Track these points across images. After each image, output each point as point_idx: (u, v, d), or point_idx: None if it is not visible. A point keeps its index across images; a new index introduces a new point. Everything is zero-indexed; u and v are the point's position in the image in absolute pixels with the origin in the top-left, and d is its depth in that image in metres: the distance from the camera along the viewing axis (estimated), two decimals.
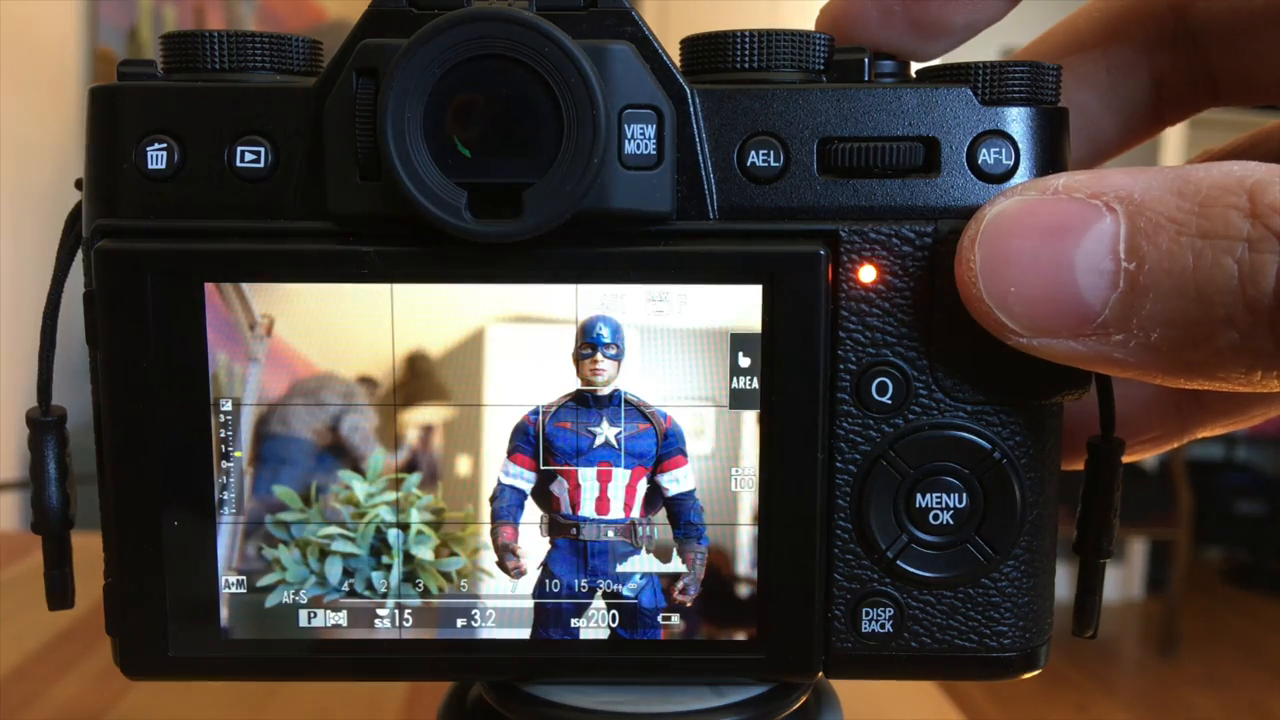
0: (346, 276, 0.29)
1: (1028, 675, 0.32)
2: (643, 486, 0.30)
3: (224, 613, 0.30)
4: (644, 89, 0.27)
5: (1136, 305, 0.22)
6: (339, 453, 0.30)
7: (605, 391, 0.30)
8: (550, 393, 0.30)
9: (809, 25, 0.31)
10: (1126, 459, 0.29)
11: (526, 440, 0.30)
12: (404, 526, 0.30)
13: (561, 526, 0.30)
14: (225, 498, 0.30)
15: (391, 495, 0.30)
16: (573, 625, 0.31)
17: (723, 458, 0.30)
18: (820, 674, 0.31)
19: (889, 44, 0.30)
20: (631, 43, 0.28)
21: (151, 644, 0.30)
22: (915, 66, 0.31)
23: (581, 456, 0.30)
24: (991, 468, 0.30)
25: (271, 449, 0.30)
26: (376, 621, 0.31)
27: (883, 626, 0.30)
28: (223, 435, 0.30)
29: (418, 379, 0.30)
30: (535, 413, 0.30)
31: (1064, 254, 0.22)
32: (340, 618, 0.31)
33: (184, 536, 0.30)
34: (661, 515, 0.30)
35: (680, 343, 0.29)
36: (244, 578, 0.30)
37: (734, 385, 0.29)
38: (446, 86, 0.26)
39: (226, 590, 0.30)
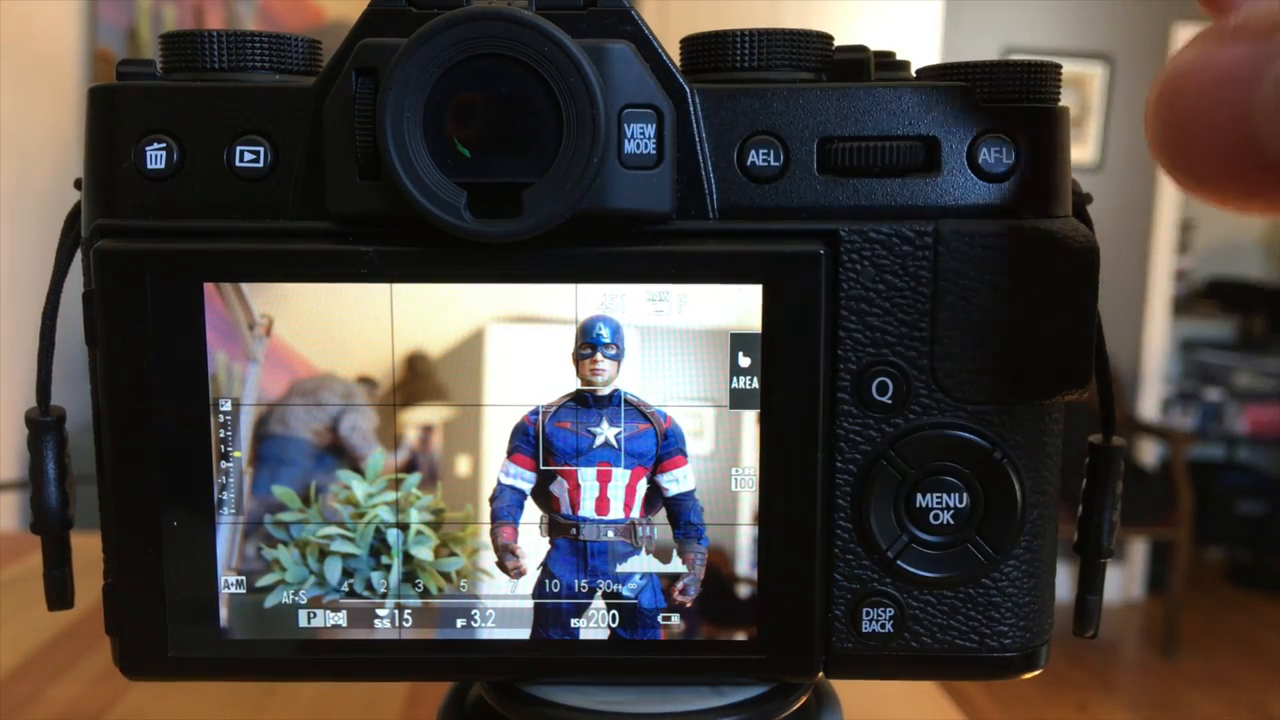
0: (346, 276, 0.29)
1: (1028, 675, 0.32)
2: (643, 487, 0.30)
3: (223, 613, 0.30)
4: (644, 88, 0.27)
5: None
6: (338, 453, 0.30)
7: (605, 391, 0.30)
8: (550, 393, 0.30)
9: (809, 25, 0.31)
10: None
11: (526, 440, 0.30)
12: (403, 527, 0.30)
13: (561, 527, 0.30)
14: (224, 498, 0.30)
15: (391, 495, 0.30)
16: (573, 625, 0.31)
17: (723, 458, 0.30)
18: (820, 674, 0.31)
19: None
20: (631, 42, 0.28)
21: (151, 644, 0.30)
22: (915, 66, 0.31)
23: (581, 456, 0.30)
24: (992, 468, 0.30)
25: (271, 449, 0.30)
26: (376, 622, 0.31)
27: (883, 626, 0.30)
28: (222, 435, 0.30)
29: (417, 379, 0.30)
30: (535, 413, 0.30)
31: (1240, 104, 0.18)
32: (340, 618, 0.31)
33: (183, 536, 0.30)
34: (661, 515, 0.30)
35: (680, 343, 0.29)
36: (243, 578, 0.30)
37: (734, 385, 0.29)
38: (446, 86, 0.26)
39: (226, 590, 0.30)
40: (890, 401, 0.29)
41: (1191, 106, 0.19)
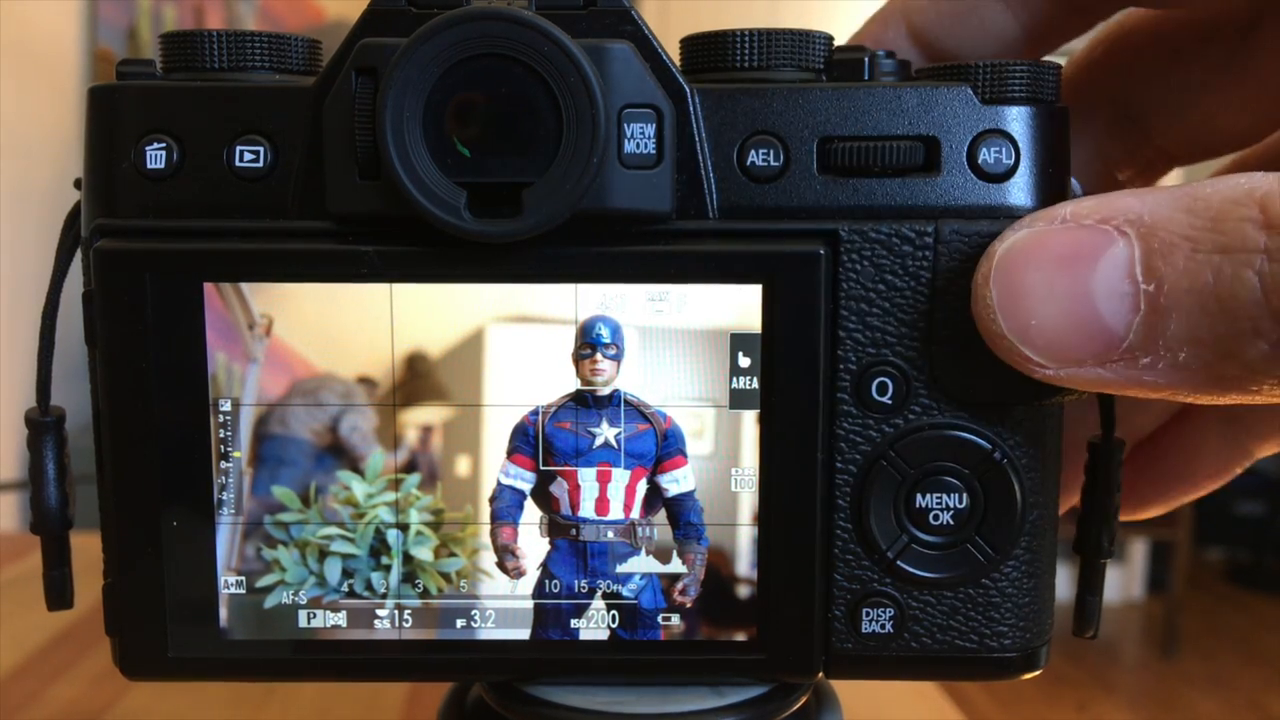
0: (346, 276, 0.29)
1: (1028, 675, 0.32)
2: (642, 487, 0.30)
3: (223, 613, 0.30)
4: (644, 88, 0.27)
5: (1160, 326, 0.21)
6: (338, 453, 0.30)
7: (605, 392, 0.30)
8: (550, 393, 0.30)
9: (809, 25, 0.31)
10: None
11: (526, 441, 0.30)
12: (403, 527, 0.30)
13: (561, 527, 0.30)
14: (224, 498, 0.30)
15: (391, 496, 0.30)
16: (572, 626, 0.31)
17: (723, 458, 0.30)
18: (820, 674, 0.31)
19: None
20: (631, 42, 0.28)
21: (151, 644, 0.30)
22: (915, 66, 0.31)
23: (581, 457, 0.30)
24: (991, 468, 0.30)
25: (270, 449, 0.30)
26: (376, 622, 0.31)
27: (883, 627, 0.30)
28: (222, 435, 0.30)
29: (417, 379, 0.30)
30: (535, 413, 0.30)
31: (1081, 282, 0.21)
32: (339, 618, 0.30)
33: (183, 537, 0.30)
34: (661, 516, 0.30)
35: (680, 343, 0.29)
36: (243, 578, 0.30)
37: (734, 385, 0.29)
38: (446, 86, 0.26)
39: (226, 591, 0.30)
40: (890, 401, 0.29)
41: (1032, 280, 0.22)
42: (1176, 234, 0.21)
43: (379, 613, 0.31)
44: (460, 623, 0.31)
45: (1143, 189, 0.23)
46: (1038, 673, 0.32)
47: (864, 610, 0.30)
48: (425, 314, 0.29)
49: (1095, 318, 0.22)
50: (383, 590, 0.30)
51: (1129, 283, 0.21)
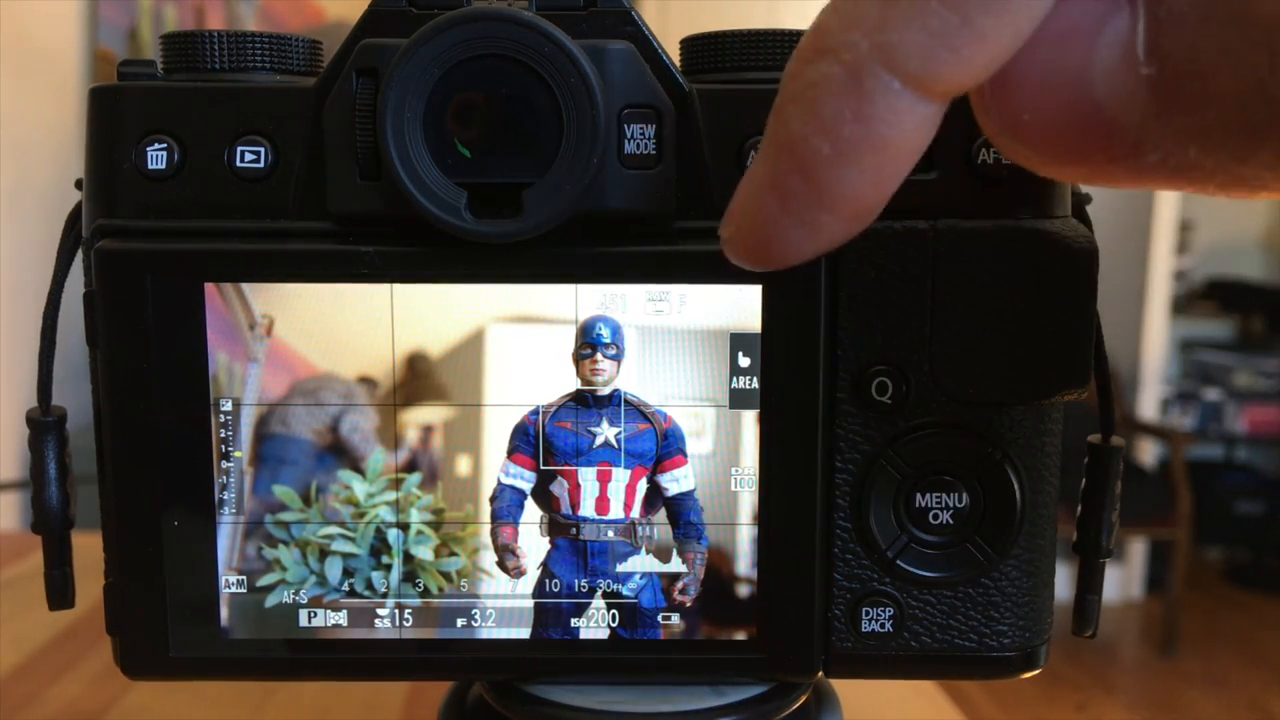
0: (346, 276, 0.29)
1: (1028, 675, 0.32)
2: (642, 486, 0.30)
3: (224, 612, 0.30)
4: (644, 89, 0.27)
5: (1168, 115, 0.16)
6: (339, 453, 0.30)
7: (605, 391, 0.30)
8: (550, 393, 0.30)
9: (808, 25, 0.31)
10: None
11: (526, 440, 0.30)
12: (404, 526, 0.30)
13: (561, 526, 0.30)
14: (225, 498, 0.30)
15: (391, 495, 0.30)
16: (573, 625, 0.31)
17: (723, 458, 0.30)
18: (820, 674, 0.31)
19: None
20: (631, 42, 0.28)
21: (151, 644, 0.30)
22: None
23: (581, 456, 0.30)
24: (991, 468, 0.30)
25: (271, 449, 0.30)
26: (376, 621, 0.31)
27: (883, 626, 0.30)
28: (223, 435, 0.30)
29: (418, 379, 0.30)
30: (535, 413, 0.30)
31: (1076, 62, 0.17)
32: (340, 617, 0.31)
33: (184, 536, 0.30)
34: (661, 515, 0.30)
35: (680, 343, 0.29)
36: (244, 577, 0.30)
37: (734, 385, 0.29)
38: (446, 86, 0.26)
39: (226, 590, 0.30)
40: (890, 401, 0.29)
41: (1025, 64, 0.17)
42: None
43: (379, 612, 0.31)
44: (461, 622, 0.31)
45: None
46: (1037, 672, 0.32)
47: (864, 609, 0.30)
48: (426, 314, 0.29)
49: (1094, 107, 0.17)
50: (383, 589, 0.30)
51: (1130, 62, 0.17)
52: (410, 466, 0.30)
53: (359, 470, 0.30)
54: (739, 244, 0.18)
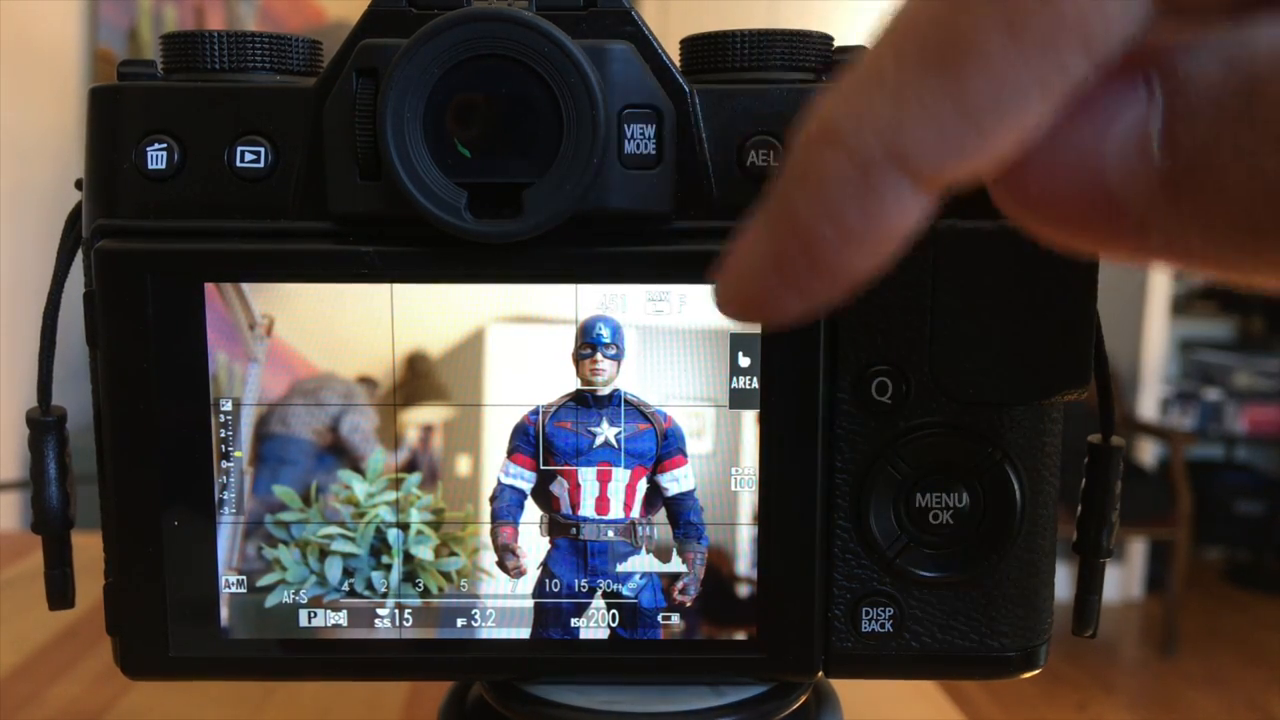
0: (346, 276, 0.29)
1: (1028, 675, 0.32)
2: (642, 486, 0.30)
3: (224, 612, 0.30)
4: (644, 89, 0.27)
5: (1177, 206, 0.16)
6: (339, 453, 0.30)
7: (605, 391, 0.30)
8: (550, 393, 0.30)
9: (809, 25, 0.31)
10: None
11: (526, 440, 0.30)
12: (404, 526, 0.30)
13: (561, 526, 0.30)
14: (225, 497, 0.30)
15: (391, 495, 0.30)
16: (573, 625, 0.31)
17: (723, 458, 0.30)
18: (820, 674, 0.31)
19: None
20: (631, 42, 0.28)
21: (151, 644, 0.30)
22: None
23: (581, 456, 0.30)
24: (991, 467, 0.30)
25: (271, 449, 0.30)
26: (376, 621, 0.31)
27: (883, 626, 0.30)
28: (223, 435, 0.30)
29: (418, 379, 0.30)
30: (535, 413, 0.30)
31: (1090, 145, 0.17)
32: (340, 617, 0.31)
33: (184, 536, 0.30)
34: (661, 515, 0.30)
35: (680, 343, 0.29)
36: (244, 577, 0.30)
37: (734, 385, 0.29)
38: (446, 86, 0.26)
39: (226, 590, 0.30)
40: (890, 401, 0.29)
41: (1042, 141, 0.17)
42: (1209, 97, 0.16)
43: (379, 612, 0.31)
44: (461, 622, 0.31)
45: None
46: (1037, 672, 0.32)
47: (864, 609, 0.30)
48: (426, 314, 0.29)
49: (1103, 187, 0.17)
50: (383, 589, 0.30)
51: (1142, 153, 0.16)
52: (410, 466, 0.30)
53: (359, 470, 0.30)
54: (735, 305, 0.18)
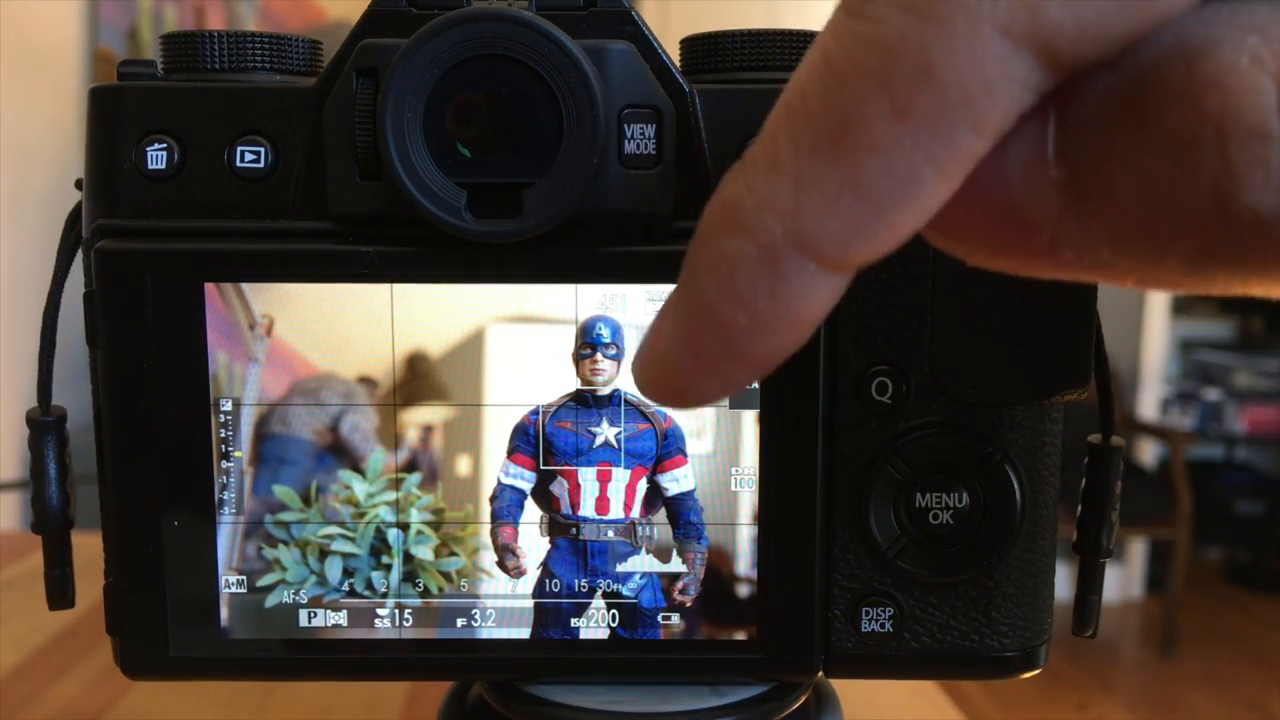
0: (346, 276, 0.29)
1: (1028, 675, 0.32)
2: (642, 486, 0.30)
3: (224, 612, 0.30)
4: (644, 89, 0.27)
5: (1079, 217, 0.16)
6: (339, 453, 0.30)
7: (605, 391, 0.30)
8: (550, 393, 0.30)
9: (808, 25, 0.31)
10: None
11: (526, 440, 0.30)
12: (404, 526, 0.30)
13: (561, 526, 0.30)
14: (225, 497, 0.30)
15: (391, 495, 0.30)
16: (573, 625, 0.31)
17: (723, 458, 0.30)
18: (820, 674, 0.31)
19: None
20: (631, 42, 0.28)
21: (151, 644, 0.30)
22: None
23: (581, 456, 0.30)
24: (991, 467, 0.30)
25: (271, 449, 0.30)
26: (376, 621, 0.31)
27: (883, 626, 0.30)
28: (223, 435, 0.30)
29: (418, 379, 0.30)
30: (535, 413, 0.30)
31: (993, 163, 0.16)
32: (340, 617, 0.31)
33: (184, 536, 0.30)
34: (661, 515, 0.30)
35: None
36: (244, 577, 0.30)
37: None
38: (446, 86, 0.26)
39: (226, 590, 0.30)
40: (890, 401, 0.29)
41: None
42: (1098, 107, 0.16)
43: (379, 612, 0.31)
44: (460, 622, 0.31)
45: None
46: (1037, 672, 0.32)
47: (864, 609, 0.30)
48: (426, 314, 0.29)
49: (1010, 205, 0.17)
50: (383, 589, 0.30)
51: (1039, 165, 0.17)
52: (410, 466, 0.30)
53: (359, 470, 0.30)
54: (654, 390, 0.18)
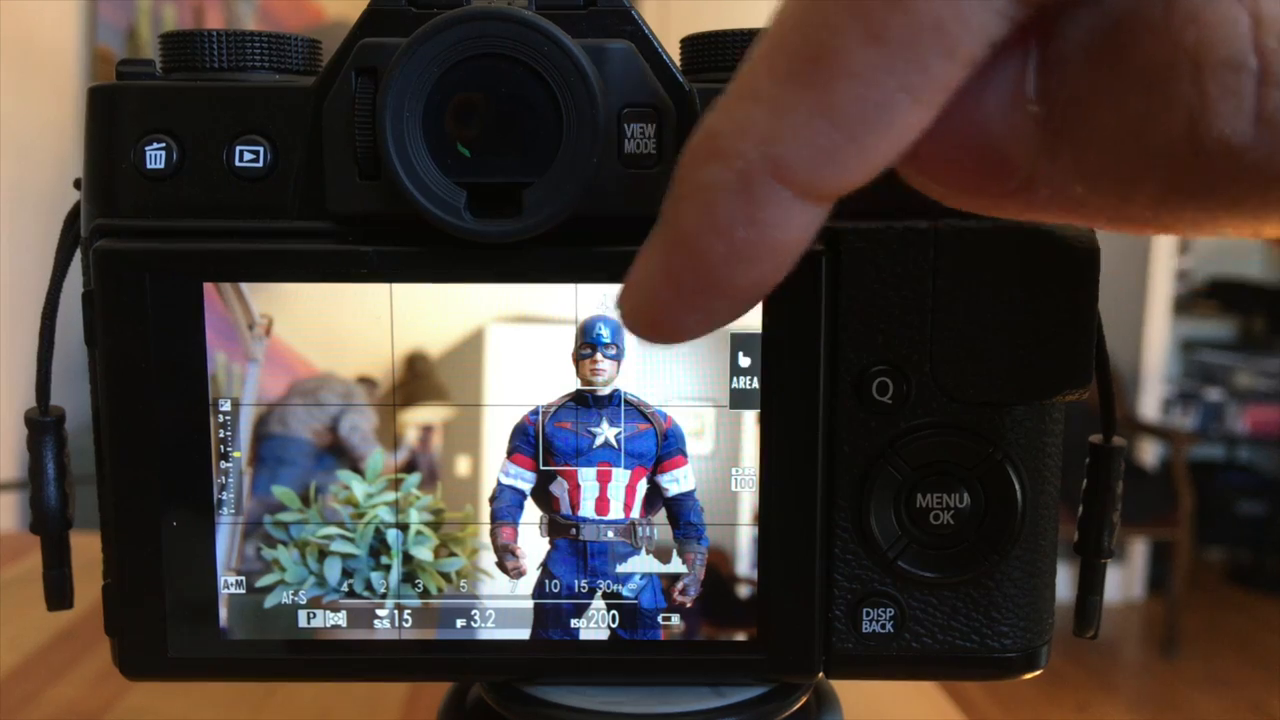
0: (346, 276, 0.29)
1: (1029, 675, 0.32)
2: (642, 487, 0.30)
3: (223, 613, 0.30)
4: (644, 88, 0.27)
5: (1056, 154, 0.17)
6: (338, 453, 0.30)
7: (605, 391, 0.30)
8: (550, 393, 0.30)
9: None
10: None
11: (526, 440, 0.30)
12: (403, 527, 0.30)
13: (561, 527, 0.30)
14: (224, 498, 0.30)
15: (391, 495, 0.30)
16: (572, 626, 0.30)
17: (723, 458, 0.30)
18: (820, 674, 0.31)
19: None
20: (631, 42, 0.28)
21: (150, 644, 0.30)
22: None
23: (581, 457, 0.30)
24: (992, 467, 0.30)
25: (270, 449, 0.30)
26: (376, 622, 0.30)
27: (883, 627, 0.30)
28: (222, 435, 0.30)
29: (417, 379, 0.30)
30: (535, 413, 0.30)
31: (971, 99, 0.16)
32: (339, 618, 0.30)
33: (183, 537, 0.30)
34: (661, 515, 0.30)
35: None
36: (243, 578, 0.30)
37: (734, 385, 0.29)
38: (446, 86, 0.26)
39: (225, 591, 0.30)
40: (890, 401, 0.29)
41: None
42: (1079, 42, 0.16)
43: (379, 612, 0.30)
44: (460, 623, 0.31)
45: None
46: (1038, 672, 0.32)
47: (864, 610, 0.30)
48: (425, 314, 0.29)
49: (988, 144, 0.17)
50: (382, 590, 0.30)
51: (1018, 102, 0.17)
52: (410, 467, 0.30)
53: (358, 470, 0.30)
54: (636, 322, 0.18)
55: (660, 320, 0.18)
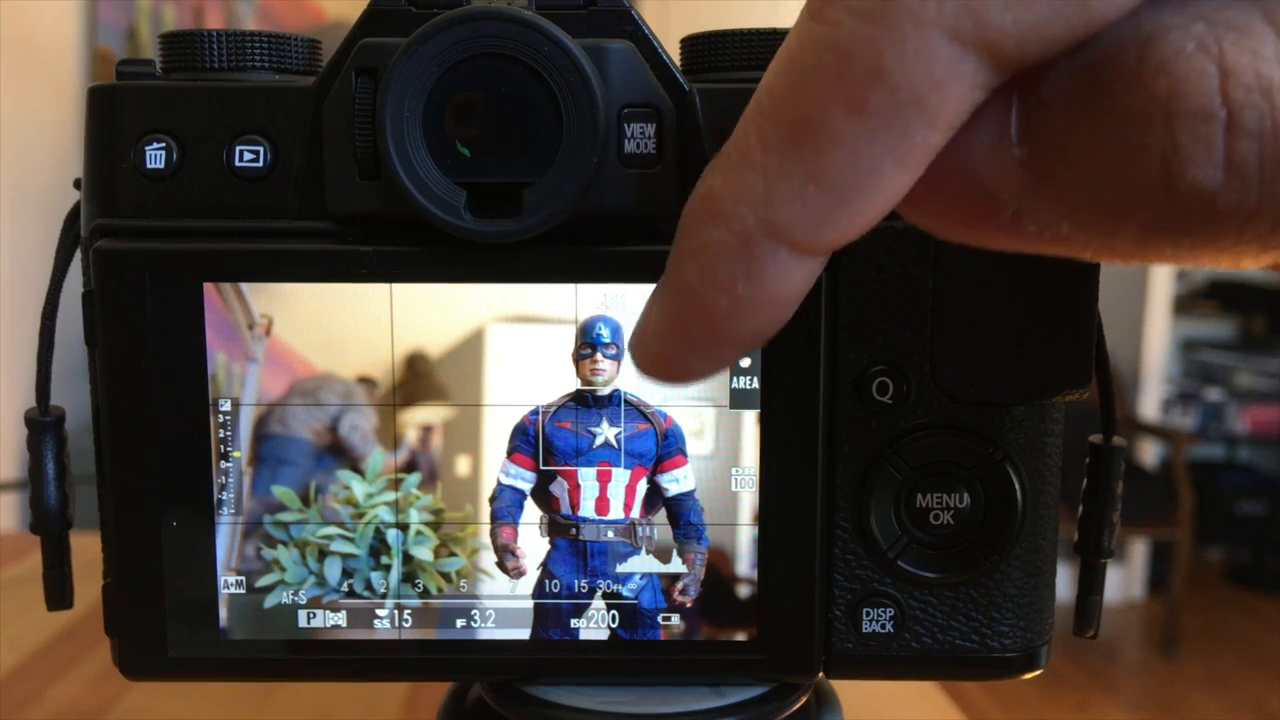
0: (346, 276, 0.29)
1: (1029, 675, 0.32)
2: (642, 487, 0.30)
3: (223, 613, 0.30)
4: (644, 88, 0.27)
5: (1041, 193, 0.17)
6: (338, 453, 0.30)
7: (605, 391, 0.30)
8: (550, 393, 0.30)
9: None
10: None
11: (526, 440, 0.30)
12: (403, 527, 0.30)
13: (561, 527, 0.30)
14: (224, 498, 0.30)
15: (391, 495, 0.30)
16: (572, 626, 0.30)
17: (723, 458, 0.30)
18: (820, 674, 0.31)
19: None
20: (631, 42, 0.28)
21: (150, 644, 0.30)
22: None
23: (581, 457, 0.30)
24: (992, 467, 0.30)
25: (270, 449, 0.30)
26: (376, 622, 0.30)
27: (883, 627, 0.30)
28: (221, 435, 0.30)
29: (417, 379, 0.30)
30: (535, 413, 0.30)
31: (959, 141, 0.17)
32: (339, 618, 0.30)
33: (183, 537, 0.30)
34: (661, 515, 0.30)
35: None
36: (243, 578, 0.30)
37: (734, 385, 0.29)
38: (446, 86, 0.26)
39: (225, 591, 0.30)
40: (890, 401, 0.29)
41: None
42: (1058, 89, 0.17)
43: (379, 612, 0.30)
44: (460, 622, 0.31)
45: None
46: (1038, 672, 0.32)
47: (864, 610, 0.30)
48: (425, 314, 0.29)
49: (975, 182, 0.18)
50: (382, 590, 0.30)
51: (1002, 143, 0.17)
52: (410, 467, 0.30)
53: (358, 470, 0.30)
54: (650, 370, 0.19)
55: (670, 366, 0.19)
